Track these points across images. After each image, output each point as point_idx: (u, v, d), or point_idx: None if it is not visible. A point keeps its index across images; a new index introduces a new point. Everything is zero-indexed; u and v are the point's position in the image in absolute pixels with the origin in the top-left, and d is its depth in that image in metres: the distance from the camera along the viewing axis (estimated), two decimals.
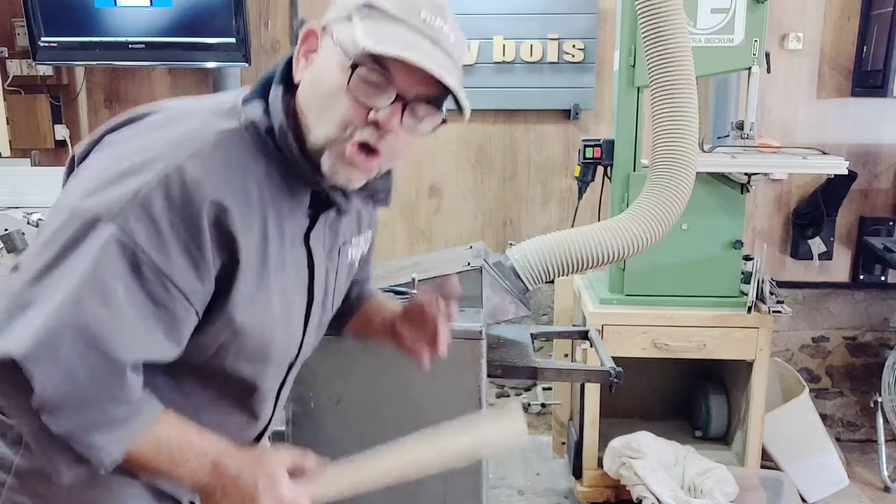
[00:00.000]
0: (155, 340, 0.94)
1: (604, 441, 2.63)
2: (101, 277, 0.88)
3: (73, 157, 1.04)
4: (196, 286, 0.95)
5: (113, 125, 1.02)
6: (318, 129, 0.98)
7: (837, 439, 3.27)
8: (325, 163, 0.99)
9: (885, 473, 2.99)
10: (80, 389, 0.89)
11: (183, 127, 0.97)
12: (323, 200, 1.07)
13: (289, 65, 1.03)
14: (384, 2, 0.95)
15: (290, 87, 1.02)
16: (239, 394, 1.12)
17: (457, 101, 0.99)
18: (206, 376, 1.06)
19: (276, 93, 1.00)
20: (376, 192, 1.10)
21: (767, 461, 2.79)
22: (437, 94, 0.98)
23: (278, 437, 1.57)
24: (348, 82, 0.94)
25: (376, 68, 0.94)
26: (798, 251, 3.21)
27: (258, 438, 1.24)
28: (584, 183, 2.71)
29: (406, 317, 1.28)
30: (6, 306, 0.89)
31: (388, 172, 1.11)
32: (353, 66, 0.94)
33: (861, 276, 3.24)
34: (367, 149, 0.98)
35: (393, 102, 0.95)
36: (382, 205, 1.13)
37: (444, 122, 1.02)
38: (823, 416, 3.13)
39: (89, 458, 0.92)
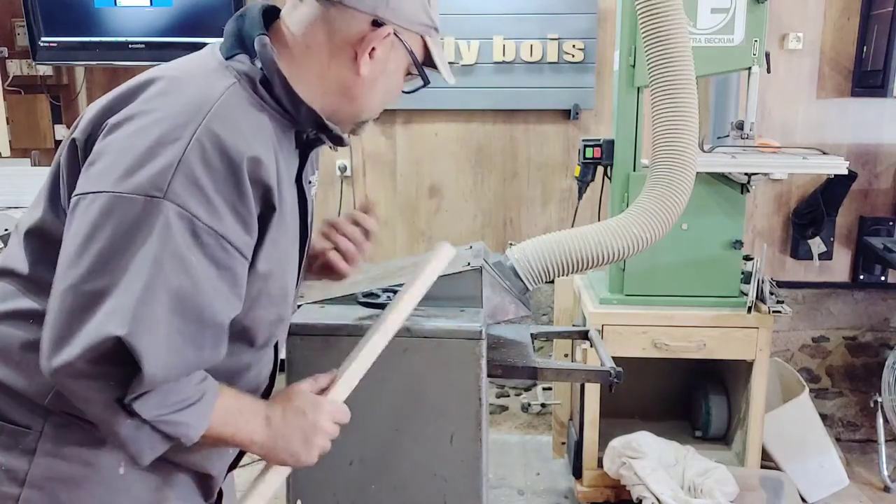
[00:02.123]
0: (225, 301, 0.98)
1: (604, 441, 2.63)
2: (175, 252, 0.91)
3: (73, 143, 1.02)
4: (247, 239, 1.00)
5: (109, 105, 1.02)
6: (377, 111, 1.16)
7: (837, 439, 3.27)
8: (361, 128, 1.18)
9: (885, 473, 2.99)
10: (182, 359, 0.94)
11: (189, 92, 1.00)
12: (305, 141, 1.13)
13: (265, 15, 1.09)
14: (438, 21, 1.14)
15: (266, 29, 1.08)
16: (264, 342, 1.16)
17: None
18: (234, 335, 1.08)
19: (261, 41, 1.04)
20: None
21: (767, 461, 2.79)
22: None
23: None
24: (405, 85, 1.16)
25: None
26: (798, 251, 3.21)
27: (271, 385, 1.27)
28: (584, 183, 2.71)
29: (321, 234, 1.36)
30: (72, 303, 0.90)
31: None
32: (425, 85, 1.16)
33: (861, 276, 3.24)
34: None
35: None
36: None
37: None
38: (823, 416, 3.13)
39: (176, 435, 0.97)
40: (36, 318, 0.97)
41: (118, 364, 0.90)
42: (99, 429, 0.98)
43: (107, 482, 1.04)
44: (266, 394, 1.25)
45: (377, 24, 1.06)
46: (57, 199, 1.03)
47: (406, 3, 1.08)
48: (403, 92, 1.18)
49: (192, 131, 0.94)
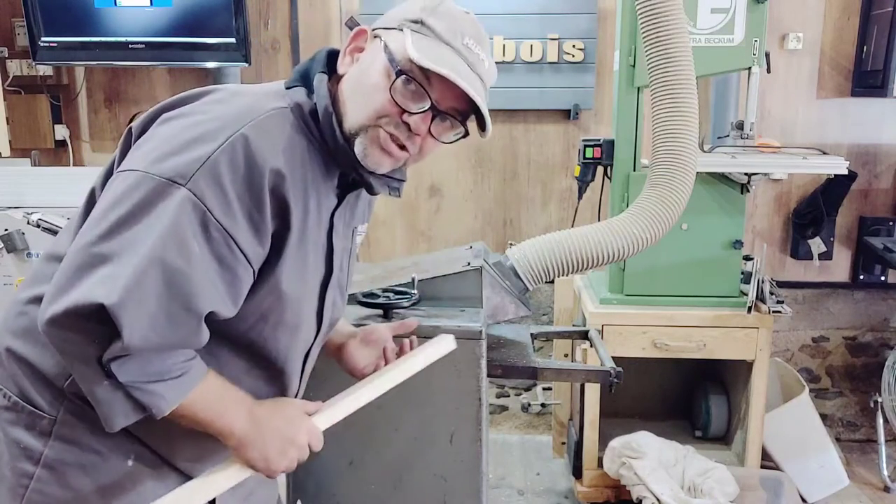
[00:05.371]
0: (219, 296, 1.01)
1: (604, 441, 2.63)
2: (179, 235, 0.95)
3: (129, 131, 1.11)
4: (256, 248, 1.03)
5: (169, 103, 1.09)
6: (355, 116, 1.09)
7: (837, 439, 3.27)
8: (359, 146, 1.09)
9: (885, 473, 2.99)
10: (161, 336, 0.96)
11: (241, 103, 1.06)
12: (348, 183, 1.17)
13: (330, 57, 1.14)
14: (435, 23, 1.08)
15: (331, 76, 1.13)
16: (271, 365, 1.18)
17: (481, 120, 1.11)
18: (241, 347, 1.13)
19: (319, 79, 1.11)
20: (392, 181, 1.21)
21: (767, 461, 2.79)
22: (464, 109, 1.10)
23: None
24: (391, 85, 1.06)
25: (417, 78, 1.06)
26: (798, 251, 3.22)
27: None
28: (584, 183, 2.71)
29: (361, 340, 1.40)
30: (79, 260, 0.95)
31: (403, 167, 1.22)
32: (399, 73, 1.05)
33: (861, 276, 3.24)
34: (398, 142, 1.10)
35: (426, 110, 1.08)
36: (395, 194, 1.24)
37: (466, 134, 1.15)
38: (823, 416, 3.13)
39: (149, 405, 0.99)
40: None
41: (101, 323, 0.93)
42: (72, 398, 1.02)
43: (114, 472, 1.08)
44: None
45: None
46: None
47: (399, 9, 1.11)
48: (411, 113, 1.08)
49: (228, 135, 0.99)
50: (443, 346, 1.38)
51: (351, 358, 1.39)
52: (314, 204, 1.10)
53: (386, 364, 1.37)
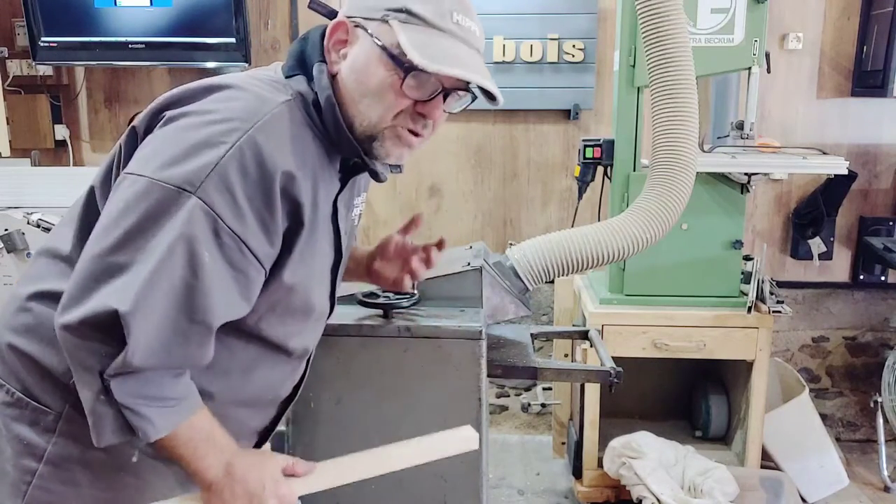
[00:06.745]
0: (232, 301, 1.01)
1: (604, 441, 2.63)
2: (189, 245, 0.95)
3: (133, 130, 1.09)
4: (267, 249, 1.03)
5: (173, 99, 1.07)
6: (368, 119, 1.07)
7: (837, 439, 3.27)
8: (379, 147, 1.10)
9: (885, 473, 2.99)
10: (165, 349, 0.96)
11: (246, 100, 1.04)
12: (349, 166, 1.16)
13: (323, 38, 1.11)
14: (420, 8, 1.03)
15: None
16: (281, 351, 1.19)
17: (488, 92, 1.09)
18: (253, 337, 1.13)
19: (319, 69, 1.09)
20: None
21: (767, 461, 2.79)
22: (468, 82, 1.08)
23: (279, 437, 1.58)
24: (402, 83, 1.04)
25: (425, 76, 1.03)
26: (798, 251, 3.22)
27: (292, 395, 1.31)
28: (584, 183, 2.71)
29: (383, 258, 1.45)
30: (91, 270, 0.95)
31: None
32: (407, 71, 1.02)
33: (861, 276, 3.24)
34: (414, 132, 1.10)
35: (437, 94, 1.06)
36: (397, 171, 1.24)
37: (474, 98, 1.13)
38: (823, 416, 3.13)
39: (138, 428, 0.98)
40: None
41: (112, 337, 0.93)
42: (78, 394, 1.01)
43: (118, 468, 1.09)
44: (287, 403, 1.30)
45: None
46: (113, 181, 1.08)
47: None
48: (421, 101, 1.06)
49: (236, 138, 0.98)
50: (463, 442, 1.27)
51: (380, 276, 1.45)
52: (323, 195, 1.11)
53: (411, 266, 1.40)
